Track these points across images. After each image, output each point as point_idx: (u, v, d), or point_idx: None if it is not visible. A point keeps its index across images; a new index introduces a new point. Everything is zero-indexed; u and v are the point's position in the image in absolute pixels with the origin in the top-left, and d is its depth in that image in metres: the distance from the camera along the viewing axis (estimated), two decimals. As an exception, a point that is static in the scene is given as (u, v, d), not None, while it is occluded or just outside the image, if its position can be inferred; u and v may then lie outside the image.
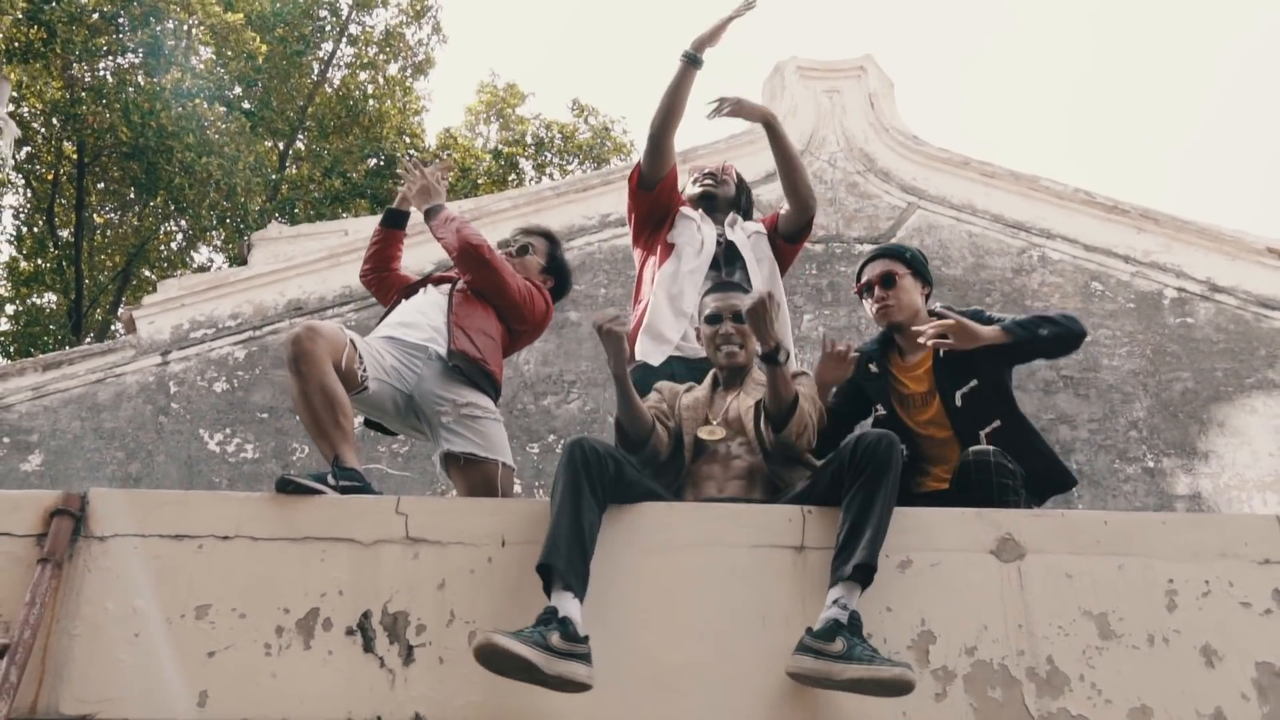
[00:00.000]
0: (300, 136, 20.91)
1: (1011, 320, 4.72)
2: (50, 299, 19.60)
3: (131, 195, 18.53)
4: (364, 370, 4.64)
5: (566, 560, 3.60)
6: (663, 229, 5.57)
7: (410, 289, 5.37)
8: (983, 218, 10.10)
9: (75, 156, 17.75)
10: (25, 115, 17.18)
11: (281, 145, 20.52)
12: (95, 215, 19.19)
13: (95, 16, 16.17)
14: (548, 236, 5.74)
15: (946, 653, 3.73)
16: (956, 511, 4.01)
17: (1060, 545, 3.91)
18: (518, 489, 5.02)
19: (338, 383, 4.41)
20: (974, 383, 4.70)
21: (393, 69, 21.60)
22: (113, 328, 19.01)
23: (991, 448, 4.40)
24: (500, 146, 21.91)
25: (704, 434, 4.49)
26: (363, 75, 21.19)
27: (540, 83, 51.01)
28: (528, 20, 49.45)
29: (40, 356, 9.87)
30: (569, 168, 22.00)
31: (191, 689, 3.62)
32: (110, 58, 17.03)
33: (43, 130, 17.62)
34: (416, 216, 5.51)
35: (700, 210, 5.65)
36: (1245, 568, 3.89)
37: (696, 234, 5.50)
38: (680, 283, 5.35)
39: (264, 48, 18.64)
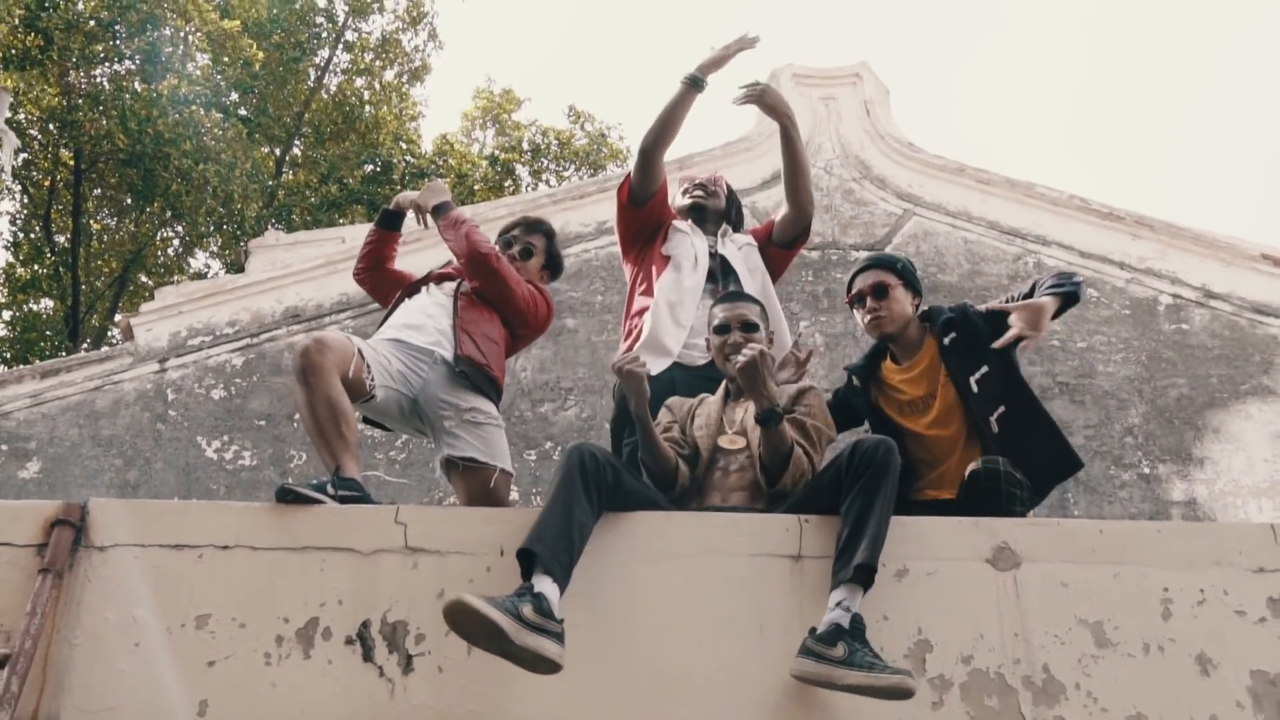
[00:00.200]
0: (297, 143, 20.94)
1: (1046, 289, 4.76)
2: (47, 305, 19.61)
3: (128, 201, 18.54)
4: (372, 379, 4.68)
5: (551, 550, 3.60)
6: (656, 242, 5.57)
7: (412, 287, 5.38)
8: (978, 224, 10.11)
9: (72, 163, 17.76)
10: (22, 122, 17.19)
11: (278, 151, 20.54)
12: (92, 221, 19.20)
13: (92, 24, 16.20)
14: (546, 233, 5.74)
15: (943, 661, 3.75)
16: (953, 520, 4.03)
17: (1056, 554, 3.93)
18: (514, 496, 5.02)
19: (343, 394, 4.45)
20: (985, 369, 4.75)
21: (389, 75, 21.64)
22: (109, 333, 19.02)
23: (1000, 458, 4.42)
24: (497, 153, 21.94)
25: (725, 442, 4.49)
26: (359, 81, 21.23)
27: (537, 89, 51.08)
28: (524, 27, 49.54)
29: (38, 364, 9.87)
30: (565, 174, 22.04)
31: (192, 698, 3.63)
32: (107, 65, 17.05)
33: (39, 137, 17.62)
34: (410, 222, 5.54)
35: (690, 222, 5.66)
36: (1240, 576, 3.91)
37: (690, 247, 5.51)
38: (680, 294, 5.35)
39: (260, 54, 18.67)
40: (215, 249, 20.30)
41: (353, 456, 4.33)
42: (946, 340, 4.85)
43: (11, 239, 19.23)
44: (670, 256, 5.49)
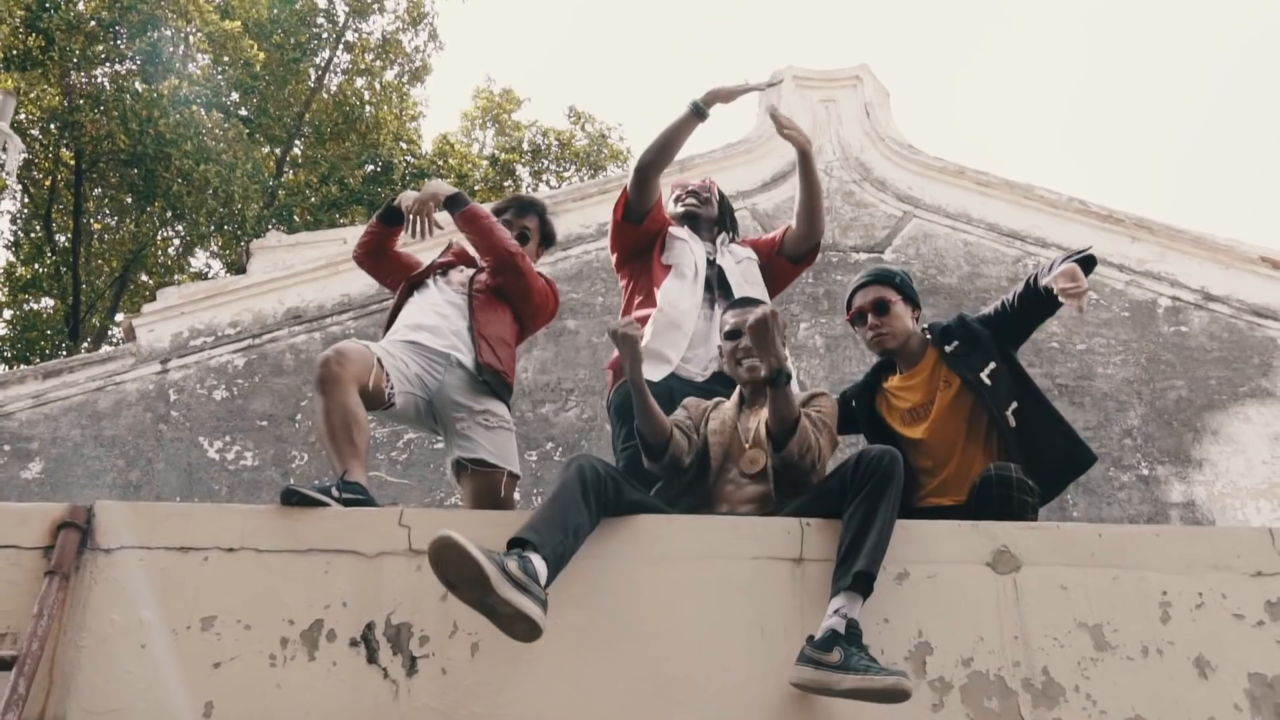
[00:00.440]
0: (297, 143, 20.96)
1: (1061, 261, 4.78)
2: (47, 304, 19.62)
3: (129, 201, 18.55)
4: (391, 388, 4.72)
5: (542, 536, 3.62)
6: (654, 252, 5.55)
7: (417, 279, 5.38)
8: (978, 226, 10.13)
9: (73, 163, 17.78)
10: (23, 122, 17.21)
11: (279, 152, 20.55)
12: (92, 221, 19.21)
13: (93, 24, 16.21)
14: (539, 213, 5.73)
15: (943, 664, 3.77)
16: (953, 524, 4.06)
17: (1055, 557, 3.95)
18: (516, 497, 5.05)
19: (359, 405, 4.49)
20: (994, 365, 4.79)
21: (389, 75, 21.65)
22: (110, 333, 19.04)
23: (1012, 464, 4.45)
24: (497, 153, 21.95)
25: (746, 466, 4.48)
26: (359, 82, 21.23)
27: (537, 90, 51.09)
28: (524, 27, 49.52)
29: (40, 364, 9.89)
30: (565, 174, 22.05)
31: (197, 700, 3.65)
32: (108, 65, 17.07)
33: (40, 137, 17.64)
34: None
35: (686, 228, 5.67)
36: (1238, 580, 3.93)
37: (690, 255, 5.50)
38: (682, 304, 5.34)
39: (261, 55, 18.69)
40: (216, 249, 20.33)
41: (361, 464, 4.36)
42: (948, 348, 4.88)
43: (12, 238, 19.25)
44: (671, 265, 5.49)
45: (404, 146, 21.45)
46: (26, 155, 16.71)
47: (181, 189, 16.59)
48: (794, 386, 4.58)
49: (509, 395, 5.18)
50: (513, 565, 3.41)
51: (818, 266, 9.69)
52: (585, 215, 10.13)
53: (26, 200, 19.05)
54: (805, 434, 4.35)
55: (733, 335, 4.76)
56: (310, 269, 9.66)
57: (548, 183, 21.75)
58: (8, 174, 9.46)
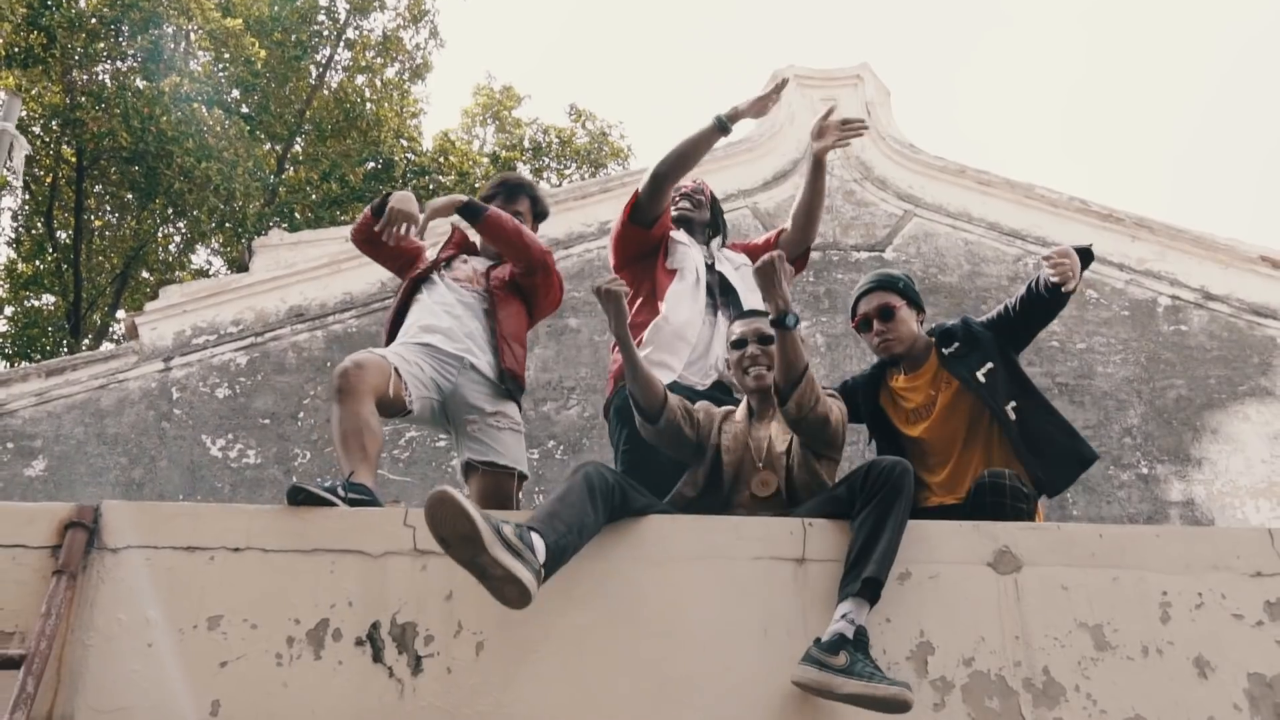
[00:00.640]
0: (298, 140, 20.95)
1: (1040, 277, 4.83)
2: (48, 301, 19.63)
3: (130, 198, 18.56)
4: (409, 396, 4.77)
5: (545, 522, 3.65)
6: (658, 257, 5.52)
7: (423, 275, 5.35)
8: (979, 225, 10.16)
9: (74, 160, 17.79)
10: (24, 119, 17.20)
11: (280, 149, 20.55)
12: (93, 218, 19.22)
13: (94, 22, 16.22)
14: (529, 194, 5.69)
15: (945, 663, 3.79)
16: (954, 524, 4.08)
17: (1056, 558, 3.97)
18: (519, 496, 5.07)
19: (373, 414, 4.53)
20: (990, 365, 4.81)
21: (390, 73, 21.64)
22: (111, 329, 19.05)
23: (1006, 470, 4.47)
24: (498, 151, 21.96)
25: (758, 489, 4.49)
26: (360, 79, 21.22)
27: (537, 87, 51.09)
28: (525, 25, 49.53)
29: (43, 362, 9.91)
30: (566, 172, 22.06)
31: (204, 698, 3.67)
32: (109, 63, 17.08)
33: (42, 134, 17.65)
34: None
35: (683, 231, 5.66)
36: (1237, 580, 3.95)
37: (693, 261, 5.51)
38: (686, 310, 5.34)
39: (262, 52, 18.67)
40: (217, 246, 20.34)
41: (369, 469, 4.39)
42: (947, 350, 4.91)
43: (13, 235, 19.26)
44: (676, 270, 5.48)
45: (405, 144, 21.43)
46: (28, 153, 16.72)
47: (183, 186, 16.60)
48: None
49: (522, 395, 5.24)
50: (508, 530, 3.44)
51: (818, 265, 9.72)
52: (586, 214, 10.15)
53: (28, 197, 19.06)
54: (813, 384, 4.36)
55: (739, 344, 4.76)
56: (313, 267, 9.68)
57: (549, 180, 21.75)
58: (14, 173, 9.46)
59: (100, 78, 17.17)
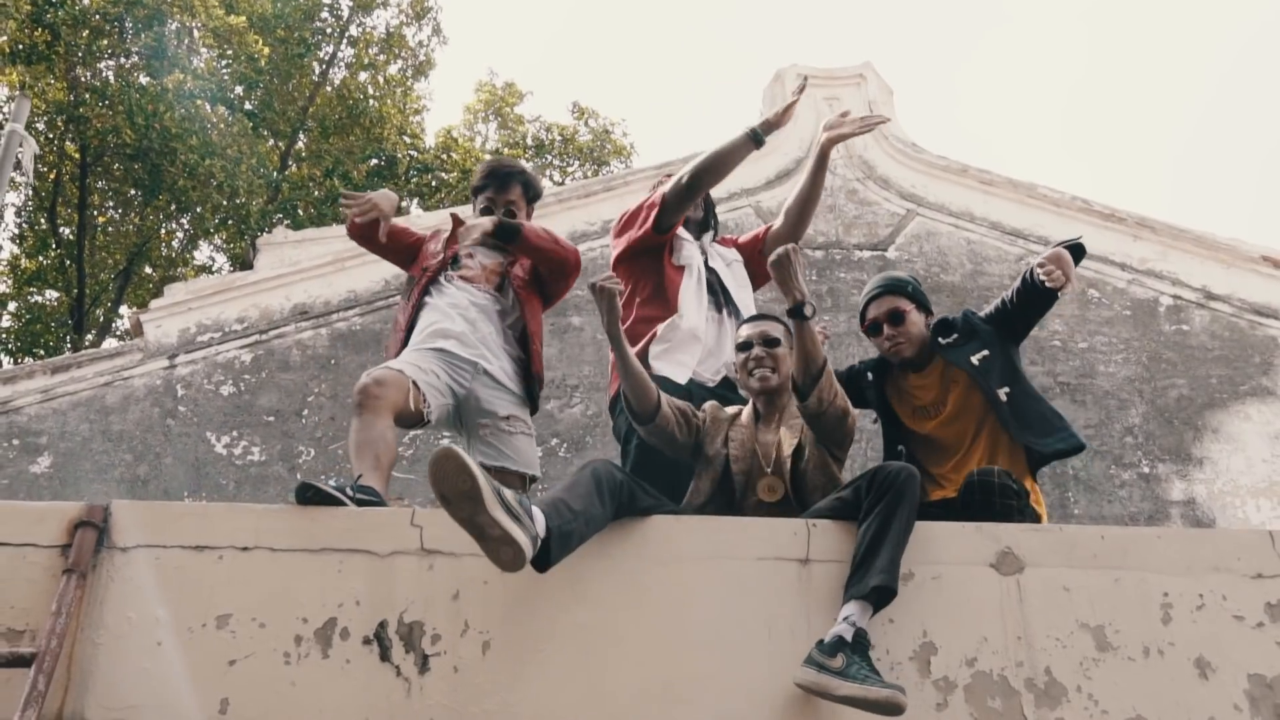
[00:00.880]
0: (301, 137, 20.96)
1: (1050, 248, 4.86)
2: (52, 296, 19.66)
3: (133, 194, 18.59)
4: (428, 407, 4.81)
5: (549, 507, 3.68)
6: (665, 253, 5.52)
7: (433, 279, 5.34)
8: (981, 225, 10.18)
9: (78, 156, 17.81)
10: (29, 115, 17.21)
11: (283, 146, 20.56)
12: (97, 214, 19.24)
13: (98, 19, 16.24)
14: (521, 181, 5.61)
15: (947, 663, 3.82)
16: (957, 525, 4.10)
17: (1058, 559, 3.99)
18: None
19: (390, 428, 4.59)
20: (986, 353, 4.87)
21: (393, 70, 21.65)
22: (114, 325, 19.08)
23: (996, 468, 4.50)
24: (500, 147, 21.97)
25: (764, 494, 4.52)
26: (363, 76, 21.24)
27: (540, 85, 51.08)
28: (527, 22, 49.53)
29: (49, 360, 9.94)
30: (569, 169, 22.07)
31: (212, 696, 3.70)
32: (113, 59, 17.10)
33: (46, 131, 17.68)
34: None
35: (681, 227, 5.66)
36: (1238, 582, 3.98)
37: (696, 257, 5.53)
38: (695, 307, 5.36)
39: (266, 49, 18.70)
40: (220, 242, 20.36)
41: (380, 479, 4.43)
42: (945, 340, 4.97)
43: (17, 230, 19.29)
44: (684, 267, 5.48)
45: (407, 141, 21.46)
46: (36, 152, 16.74)
47: (186, 183, 16.62)
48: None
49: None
50: (509, 494, 3.48)
51: (821, 264, 9.75)
52: (590, 213, 10.17)
53: (31, 193, 19.08)
54: (832, 378, 4.41)
55: (745, 347, 4.79)
56: (317, 265, 9.70)
57: (551, 178, 21.77)
58: (24, 173, 9.49)
59: (104, 74, 17.20)
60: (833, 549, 3.96)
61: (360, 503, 4.13)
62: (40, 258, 19.24)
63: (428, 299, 5.29)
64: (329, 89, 20.71)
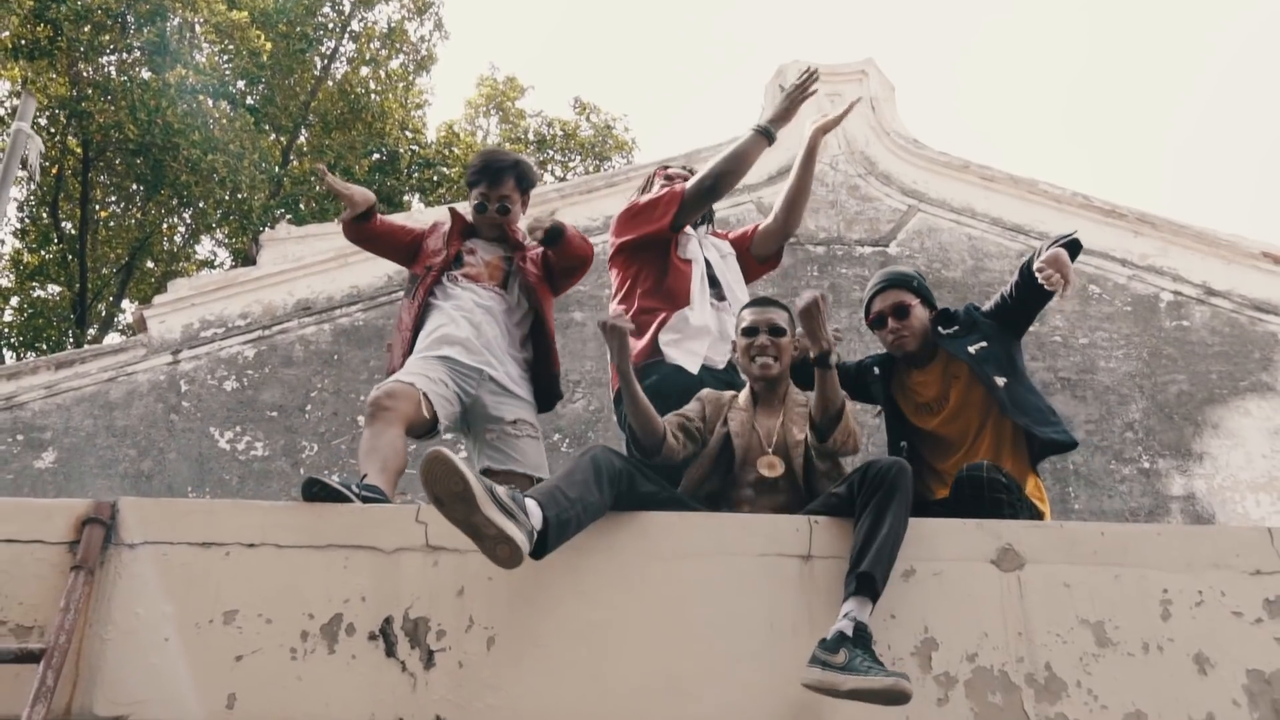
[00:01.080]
0: (303, 132, 20.97)
1: (1047, 246, 4.87)
2: (54, 291, 19.68)
3: (135, 189, 18.61)
4: (439, 417, 4.90)
5: (545, 495, 3.71)
6: (670, 248, 5.52)
7: (437, 279, 5.35)
8: (982, 221, 10.20)
9: (80, 151, 17.83)
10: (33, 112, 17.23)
11: (284, 141, 20.57)
12: (99, 209, 19.26)
13: (100, 14, 16.25)
14: (516, 175, 5.54)
15: (948, 659, 3.84)
16: (958, 522, 4.12)
17: (1059, 555, 4.02)
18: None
19: (400, 438, 4.68)
20: (984, 344, 4.91)
21: (395, 64, 21.65)
22: (116, 319, 19.10)
23: (985, 462, 4.53)
24: (502, 143, 21.97)
25: (765, 470, 4.56)
26: (365, 71, 21.24)
27: (542, 80, 51.06)
28: (529, 17, 49.51)
29: (53, 355, 9.97)
30: (571, 164, 22.08)
31: (219, 692, 3.73)
32: (115, 55, 17.11)
33: (48, 126, 17.69)
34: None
35: None
36: (1237, 578, 4.00)
37: (700, 250, 5.56)
38: (702, 299, 5.40)
39: (268, 45, 18.71)
40: (222, 237, 20.38)
41: (386, 482, 4.48)
42: (945, 331, 5.00)
43: (19, 225, 19.30)
44: (691, 260, 5.50)
45: (409, 135, 21.47)
46: (41, 151, 16.75)
47: (189, 179, 16.64)
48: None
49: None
50: (502, 491, 3.50)
51: (823, 260, 9.78)
52: (592, 208, 10.19)
53: (33, 187, 19.11)
54: (849, 422, 4.46)
55: (751, 332, 4.81)
56: (319, 261, 9.72)
57: (552, 173, 21.79)
58: (31, 172, 9.52)
59: (106, 70, 17.20)
60: (834, 545, 3.98)
61: (365, 500, 4.16)
62: (42, 252, 19.26)
63: (433, 300, 5.31)
64: (331, 84, 20.71)
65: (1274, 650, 3.89)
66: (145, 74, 16.91)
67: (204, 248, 21.02)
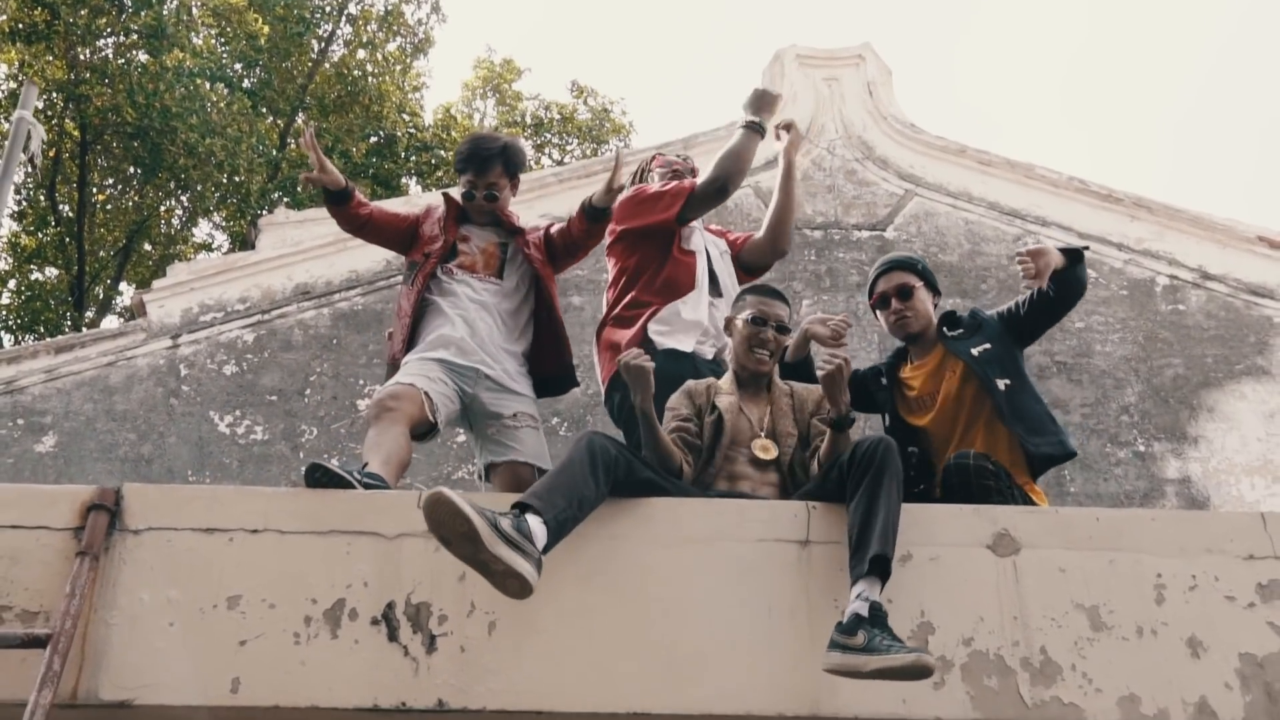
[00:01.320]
0: (300, 115, 20.94)
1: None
2: (52, 274, 19.68)
3: (133, 172, 18.59)
4: (439, 417, 4.96)
5: (543, 501, 3.73)
6: (674, 240, 5.51)
7: (429, 269, 5.36)
8: (979, 205, 10.21)
9: (78, 135, 17.82)
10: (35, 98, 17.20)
11: (282, 124, 20.55)
12: (96, 192, 19.24)
13: (97, -2, 16.24)
14: (504, 160, 5.50)
15: (945, 643, 3.89)
16: (955, 508, 4.17)
17: (1054, 540, 4.06)
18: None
19: (403, 436, 4.73)
20: (988, 346, 4.93)
21: (392, 47, 21.61)
22: (113, 302, 19.10)
23: (971, 451, 4.57)
24: (500, 126, 21.95)
25: (760, 452, 4.58)
26: (362, 54, 21.19)
27: (539, 62, 50.97)
28: (526, 2, 49.37)
29: (52, 339, 9.98)
30: (568, 148, 22.07)
31: (224, 676, 3.77)
32: (113, 38, 17.08)
33: (45, 109, 17.67)
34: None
35: None
36: (1230, 563, 4.04)
37: (703, 243, 5.58)
38: (697, 293, 5.42)
39: (265, 28, 18.68)
40: (220, 220, 20.38)
41: (390, 472, 4.53)
42: (951, 332, 5.02)
43: (17, 208, 19.28)
44: (694, 252, 5.52)
45: (406, 118, 21.44)
46: (42, 138, 16.73)
47: (186, 162, 16.63)
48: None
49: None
50: (505, 523, 3.52)
51: (820, 244, 9.79)
52: (590, 192, 10.15)
53: (31, 170, 19.08)
54: None
55: (757, 321, 4.82)
56: (319, 245, 9.72)
57: (549, 155, 21.80)
58: (34, 159, 9.53)
59: (104, 53, 17.17)
60: (832, 530, 4.02)
61: (368, 487, 4.19)
62: (40, 235, 19.24)
63: (429, 296, 5.33)
64: (328, 67, 20.67)
65: (1267, 634, 3.93)
66: (143, 57, 16.87)
67: (202, 231, 21.01)
